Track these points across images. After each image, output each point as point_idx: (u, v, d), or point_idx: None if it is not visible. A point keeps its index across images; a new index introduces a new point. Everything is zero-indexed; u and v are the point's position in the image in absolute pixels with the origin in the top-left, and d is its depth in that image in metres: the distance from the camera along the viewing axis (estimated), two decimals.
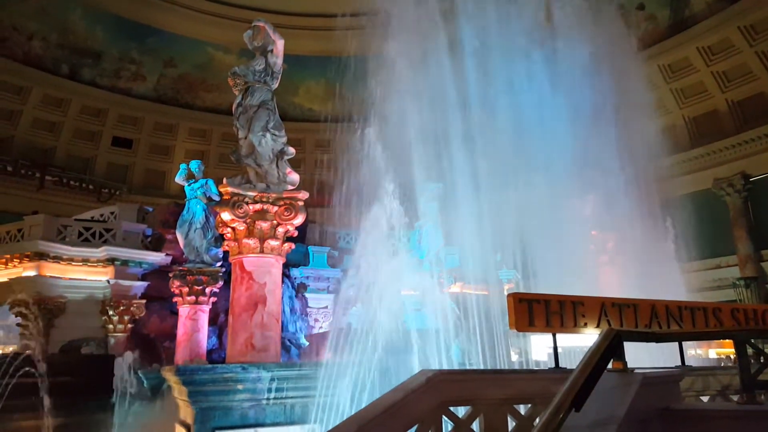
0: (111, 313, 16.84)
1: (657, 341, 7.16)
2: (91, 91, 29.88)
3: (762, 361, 6.17)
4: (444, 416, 6.00)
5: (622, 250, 13.28)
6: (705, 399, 7.27)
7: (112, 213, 19.14)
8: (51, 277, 16.67)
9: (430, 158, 12.58)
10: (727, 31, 24.60)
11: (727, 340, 13.52)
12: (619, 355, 5.45)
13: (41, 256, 16.58)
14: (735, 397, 6.74)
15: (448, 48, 13.37)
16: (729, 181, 24.90)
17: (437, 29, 12.85)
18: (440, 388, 6.02)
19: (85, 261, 17.18)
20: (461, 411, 6.23)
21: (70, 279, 16.99)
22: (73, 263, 17.07)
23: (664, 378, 5.97)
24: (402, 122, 11.95)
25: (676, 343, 7.56)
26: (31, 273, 16.51)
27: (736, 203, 24.74)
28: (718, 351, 20.53)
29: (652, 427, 5.22)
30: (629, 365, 5.63)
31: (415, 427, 5.81)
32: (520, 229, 12.70)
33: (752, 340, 6.41)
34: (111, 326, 16.85)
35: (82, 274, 17.20)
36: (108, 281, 17.14)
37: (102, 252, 17.08)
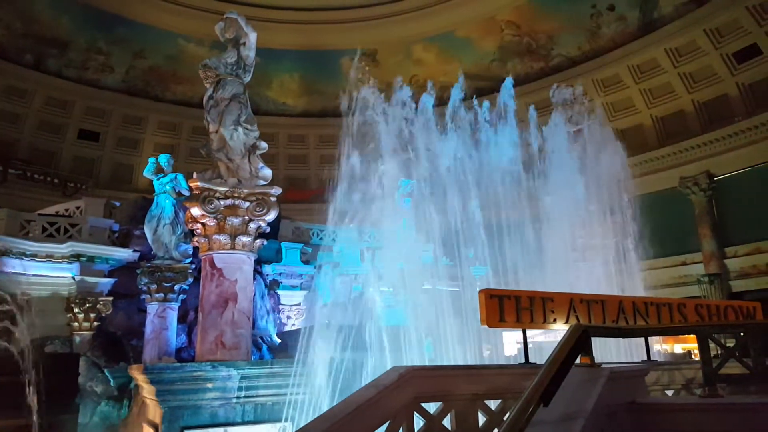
0: (76, 310, 16.43)
1: (624, 336, 7.31)
2: (56, 82, 29.01)
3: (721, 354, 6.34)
4: (416, 412, 6.01)
5: (590, 247, 13.51)
6: (670, 393, 7.45)
7: (77, 208, 18.64)
8: (13, 273, 16.17)
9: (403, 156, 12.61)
10: (693, 34, 25.23)
11: (691, 335, 13.86)
12: (587, 350, 5.55)
13: (3, 252, 16.07)
14: (698, 391, 6.92)
15: None
16: (694, 180, 25.56)
17: None
18: (412, 385, 6.04)
19: (50, 257, 16.70)
20: (433, 407, 6.26)
21: (34, 275, 16.50)
22: (37, 259, 16.58)
23: (630, 373, 6.10)
24: None
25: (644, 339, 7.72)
26: None
27: (701, 202, 25.42)
28: (683, 346, 21.09)
29: (618, 420, 5.32)
30: (598, 359, 5.72)
31: (387, 424, 5.80)
32: (492, 226, 12.83)
33: (715, 335, 6.58)
34: (76, 324, 16.44)
35: (47, 270, 16.73)
36: (73, 278, 16.71)
37: (67, 248, 16.63)
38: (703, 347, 6.22)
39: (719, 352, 6.56)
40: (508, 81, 14.21)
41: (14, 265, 16.24)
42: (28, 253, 16.44)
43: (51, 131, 29.60)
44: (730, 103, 24.96)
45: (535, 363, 6.78)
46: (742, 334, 7.21)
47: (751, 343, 6.41)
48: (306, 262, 19.98)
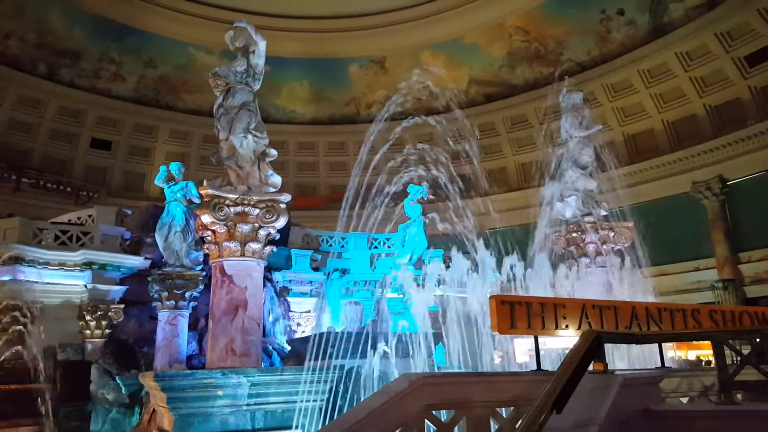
0: (88, 318, 16.49)
1: (637, 342, 7.22)
2: (69, 92, 29.39)
3: (739, 361, 6.24)
4: (427, 420, 5.96)
5: (601, 252, 13.40)
6: (686, 400, 7.34)
7: (89, 216, 18.77)
8: (26, 281, 16.29)
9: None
10: (704, 38, 25.06)
11: (705, 342, 13.68)
12: (600, 357, 5.48)
13: (16, 260, 16.19)
14: (714, 398, 6.81)
15: None
16: (707, 184, 25.31)
17: None
18: (423, 392, 5.99)
19: (62, 265, 16.80)
20: (444, 415, 6.21)
21: (47, 283, 16.60)
22: (50, 267, 16.67)
23: (644, 379, 6.02)
24: None
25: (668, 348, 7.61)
26: (6, 277, 16.12)
27: (714, 206, 25.15)
28: (698, 353, 20.82)
29: (632, 427, 5.24)
30: (621, 367, 5.65)
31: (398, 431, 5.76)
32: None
33: (730, 341, 6.48)
34: (88, 331, 16.49)
35: (59, 278, 16.82)
36: (85, 285, 16.81)
37: (79, 255, 16.73)
38: (719, 353, 6.13)
39: (735, 359, 6.46)
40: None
41: (27, 273, 16.36)
42: (40, 261, 16.55)
43: (64, 140, 29.96)
44: (742, 106, 24.73)
45: (547, 370, 6.71)
46: (758, 340, 7.08)
47: (767, 349, 6.30)
48: (316, 269, 19.98)
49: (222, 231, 10.37)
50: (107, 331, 16.58)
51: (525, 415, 4.08)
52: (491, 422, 6.11)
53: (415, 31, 31.28)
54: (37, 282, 16.46)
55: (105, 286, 16.90)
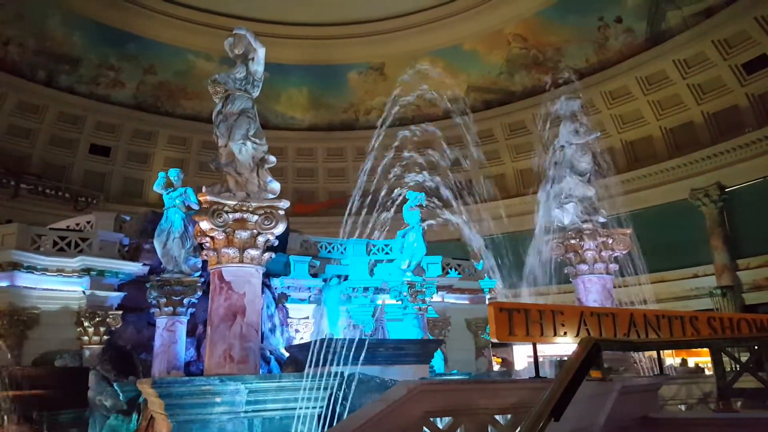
0: (86, 324, 16.46)
1: (635, 350, 7.21)
2: (68, 98, 29.45)
3: (737, 368, 6.25)
4: (425, 427, 5.95)
5: (600, 259, 13.38)
6: (685, 407, 7.33)
7: (88, 222, 18.78)
8: (24, 287, 16.28)
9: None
10: (702, 45, 25.20)
11: (704, 349, 13.69)
12: (598, 364, 5.48)
13: (15, 266, 16.18)
14: (713, 405, 6.81)
15: None
16: (705, 191, 25.37)
17: None
18: (421, 399, 5.98)
19: (60, 271, 16.79)
20: (442, 422, 6.19)
21: (45, 289, 16.60)
22: (48, 273, 16.67)
23: (642, 387, 6.02)
24: None
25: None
26: (4, 283, 16.11)
27: (713, 213, 25.20)
28: (696, 360, 20.81)
29: None
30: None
31: None
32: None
33: (728, 349, 6.49)
34: (86, 338, 16.45)
35: (57, 284, 16.81)
36: (83, 291, 16.79)
37: (77, 262, 16.73)
38: (717, 360, 6.13)
39: (734, 366, 6.46)
40: None
41: (25, 279, 16.35)
42: (39, 267, 16.55)
43: (62, 146, 29.99)
44: (740, 113, 24.84)
45: (545, 377, 6.71)
46: (756, 347, 7.09)
47: (765, 356, 6.30)
48: (314, 275, 19.96)
49: (220, 237, 10.36)
50: (105, 337, 16.54)
51: (523, 423, 4.09)
52: (490, 429, 6.10)
53: (414, 38, 31.41)
54: (35, 288, 16.47)
55: (103, 293, 16.88)
